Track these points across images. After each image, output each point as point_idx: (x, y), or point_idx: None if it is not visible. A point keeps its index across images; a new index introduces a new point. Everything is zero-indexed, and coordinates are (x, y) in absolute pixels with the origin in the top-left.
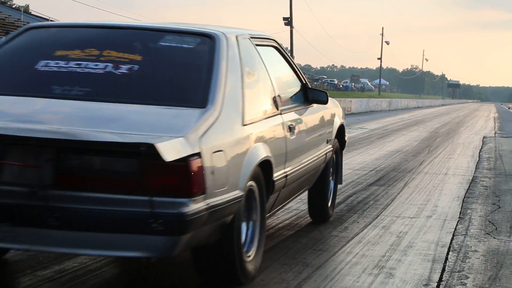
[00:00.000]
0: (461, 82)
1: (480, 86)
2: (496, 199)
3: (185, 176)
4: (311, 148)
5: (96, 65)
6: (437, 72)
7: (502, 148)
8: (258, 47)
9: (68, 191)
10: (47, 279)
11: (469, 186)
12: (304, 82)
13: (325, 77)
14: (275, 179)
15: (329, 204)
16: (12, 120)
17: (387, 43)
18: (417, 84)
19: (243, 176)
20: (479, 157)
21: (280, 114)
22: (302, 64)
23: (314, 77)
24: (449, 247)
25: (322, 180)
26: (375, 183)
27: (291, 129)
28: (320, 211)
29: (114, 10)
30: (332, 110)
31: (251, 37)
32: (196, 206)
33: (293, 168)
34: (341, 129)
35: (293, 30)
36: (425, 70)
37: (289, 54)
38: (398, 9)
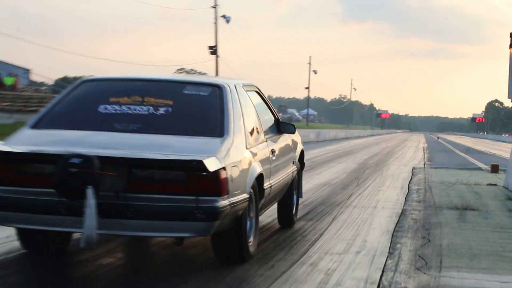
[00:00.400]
0: (390, 112)
1: (409, 115)
2: (426, 232)
3: (218, 182)
4: (284, 167)
5: (141, 108)
6: (365, 101)
7: (431, 180)
8: (247, 92)
9: (139, 194)
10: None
11: (398, 220)
12: (277, 117)
13: None
14: (264, 187)
15: (294, 212)
16: (97, 147)
17: (315, 72)
18: (346, 114)
19: (248, 184)
20: (408, 189)
21: (265, 141)
22: None
23: None
24: (379, 284)
25: (289, 194)
26: (302, 217)
27: (273, 152)
28: (288, 218)
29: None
30: (296, 138)
31: (243, 85)
32: (223, 202)
33: (274, 181)
34: (302, 153)
35: (218, 59)
36: (353, 100)
37: (265, 96)
38: (325, 37)
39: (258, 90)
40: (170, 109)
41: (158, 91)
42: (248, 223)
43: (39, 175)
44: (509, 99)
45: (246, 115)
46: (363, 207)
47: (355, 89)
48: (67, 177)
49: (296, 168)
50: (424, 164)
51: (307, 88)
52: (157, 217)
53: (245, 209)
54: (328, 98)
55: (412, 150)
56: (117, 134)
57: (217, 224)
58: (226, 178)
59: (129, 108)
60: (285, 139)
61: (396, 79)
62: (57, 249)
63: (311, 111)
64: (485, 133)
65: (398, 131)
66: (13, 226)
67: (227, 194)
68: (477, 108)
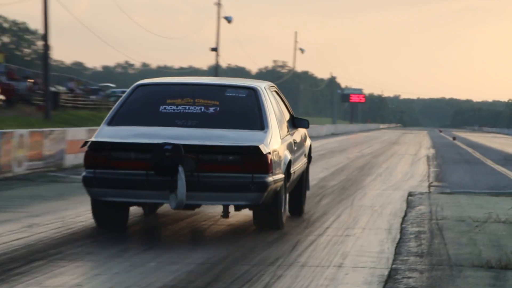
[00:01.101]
0: (366, 92)
1: (402, 98)
2: None
3: (267, 163)
4: (300, 158)
5: (195, 108)
6: (322, 73)
7: (442, 215)
8: (272, 92)
9: (207, 172)
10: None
11: None
12: (291, 112)
13: (112, 85)
14: (291, 172)
15: (303, 203)
16: (170, 139)
17: (228, 20)
18: (286, 94)
19: (283, 167)
20: (401, 232)
21: (290, 134)
22: None
23: (92, 85)
24: None
25: (300, 185)
26: None
27: (295, 144)
28: (299, 208)
29: None
30: (305, 132)
31: (269, 87)
32: (270, 178)
33: (296, 168)
34: (310, 148)
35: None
36: (299, 71)
37: (281, 94)
38: None
39: (276, 90)
40: (218, 108)
41: (205, 94)
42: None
43: (133, 160)
44: None
45: (276, 112)
46: (318, 267)
47: (302, 51)
48: (163, 159)
49: (306, 161)
50: (429, 187)
51: (215, 49)
52: (221, 190)
53: (282, 186)
54: (254, 68)
55: (408, 160)
56: (180, 128)
57: (265, 195)
58: (272, 160)
59: (184, 108)
60: (300, 133)
61: (379, 39)
62: (120, 225)
63: None
64: None
65: (381, 126)
66: (108, 200)
67: (272, 172)
68: None
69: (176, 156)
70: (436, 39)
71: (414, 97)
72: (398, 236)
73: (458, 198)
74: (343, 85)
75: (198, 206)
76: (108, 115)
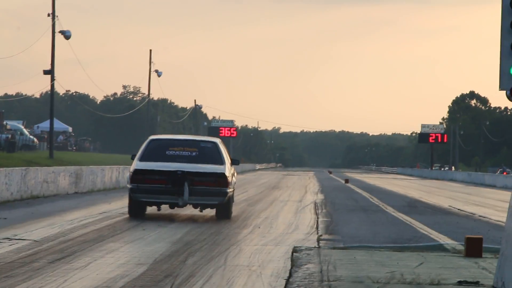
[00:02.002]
0: (239, 124)
1: (283, 132)
2: None
3: (227, 182)
4: (233, 185)
5: (185, 152)
6: (184, 101)
7: (335, 275)
8: (222, 144)
9: (198, 186)
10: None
11: None
12: (230, 156)
13: None
14: (234, 188)
15: (230, 212)
16: (178, 168)
17: (65, 36)
18: (140, 127)
19: (232, 184)
20: None
21: (232, 166)
22: None
23: None
24: None
25: (230, 201)
26: None
27: (233, 175)
28: (227, 214)
29: None
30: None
31: (220, 141)
32: (229, 190)
33: (233, 191)
34: (235, 180)
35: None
36: (156, 99)
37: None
38: None
39: (221, 141)
40: (197, 152)
41: (189, 145)
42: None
43: (157, 179)
44: (505, 92)
45: (226, 154)
46: None
47: (158, 74)
48: (176, 179)
49: (233, 189)
50: (318, 240)
51: (49, 72)
52: (204, 195)
53: (232, 195)
54: (100, 95)
55: (291, 208)
56: (179, 163)
57: (226, 198)
58: (229, 180)
59: (179, 152)
60: (233, 169)
61: (252, 60)
62: (143, 215)
63: (60, 125)
64: (452, 167)
65: (258, 166)
66: (143, 200)
67: (229, 187)
68: (428, 116)
69: (183, 177)
70: (323, 58)
71: (297, 130)
72: None
73: (354, 254)
74: (210, 116)
75: (191, 204)
76: (138, 155)
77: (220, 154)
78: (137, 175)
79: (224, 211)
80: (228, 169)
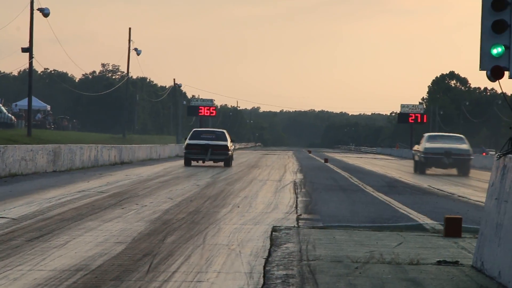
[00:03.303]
0: (218, 103)
1: (263, 111)
2: None
3: (228, 149)
4: (232, 151)
5: (209, 136)
6: (164, 80)
7: (314, 255)
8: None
9: (215, 150)
10: None
11: None
12: (231, 137)
13: None
14: (232, 152)
15: (231, 162)
16: (206, 143)
17: (44, 13)
18: (118, 105)
19: (232, 150)
20: (264, 277)
21: (231, 142)
22: None
23: None
24: None
25: (230, 158)
26: None
27: (232, 145)
28: (229, 164)
29: None
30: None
31: (226, 131)
32: (230, 152)
33: (232, 154)
34: (233, 147)
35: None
36: (135, 77)
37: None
38: None
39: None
40: (214, 136)
41: (211, 133)
42: (233, 156)
43: (198, 147)
44: (485, 72)
45: (228, 136)
46: None
47: (137, 52)
48: (205, 147)
49: (233, 151)
50: (297, 220)
51: (27, 50)
52: (218, 155)
53: (231, 155)
54: (79, 73)
55: (270, 187)
56: (206, 141)
57: (229, 156)
58: (229, 148)
59: (206, 136)
60: (232, 144)
61: (231, 38)
62: (190, 165)
63: (38, 103)
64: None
65: (237, 145)
66: (190, 157)
67: (230, 151)
68: (408, 96)
69: (208, 147)
70: (302, 37)
71: (277, 109)
72: (262, 281)
73: (333, 234)
74: (189, 94)
75: (214, 160)
76: (188, 137)
77: (225, 136)
78: (188, 146)
79: (227, 163)
80: (228, 143)
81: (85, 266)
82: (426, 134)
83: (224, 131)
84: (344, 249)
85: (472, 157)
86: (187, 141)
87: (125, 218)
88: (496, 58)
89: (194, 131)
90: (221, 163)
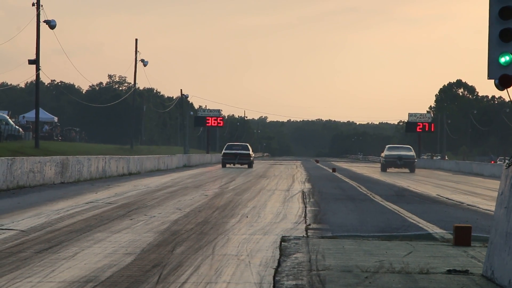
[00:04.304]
0: (225, 114)
1: (270, 121)
2: None
3: (250, 156)
4: (253, 158)
5: (237, 148)
6: (171, 91)
7: (324, 264)
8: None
9: (242, 158)
10: None
11: None
12: (251, 148)
13: None
14: (253, 158)
15: (252, 165)
16: (235, 152)
17: (51, 25)
18: (125, 117)
19: (252, 157)
20: (274, 286)
21: (253, 152)
22: None
23: None
24: None
25: (252, 162)
26: None
27: (252, 152)
28: (251, 166)
29: None
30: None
31: (249, 144)
32: (251, 158)
33: (253, 159)
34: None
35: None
36: (142, 88)
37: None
38: None
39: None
40: (241, 148)
41: (238, 145)
42: (254, 161)
43: (231, 155)
44: (493, 81)
45: (250, 147)
46: None
47: (144, 63)
48: (234, 155)
49: (253, 158)
50: (306, 230)
51: (34, 62)
52: (244, 161)
53: (252, 160)
54: (85, 85)
55: (279, 197)
56: (235, 151)
57: (251, 160)
58: (251, 155)
59: (236, 148)
60: (253, 153)
61: (239, 49)
62: (225, 167)
63: (45, 115)
64: (445, 156)
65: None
66: (225, 162)
67: (252, 157)
68: (415, 104)
69: (237, 155)
70: (309, 47)
71: (284, 119)
72: None
73: (342, 243)
74: (196, 105)
75: (240, 163)
76: (224, 148)
77: (248, 148)
78: (224, 154)
79: (250, 165)
80: (250, 152)
81: (95, 278)
82: (387, 146)
83: (247, 144)
84: (353, 258)
85: (415, 160)
86: (224, 151)
87: (133, 229)
88: (504, 67)
89: (228, 144)
90: (246, 166)
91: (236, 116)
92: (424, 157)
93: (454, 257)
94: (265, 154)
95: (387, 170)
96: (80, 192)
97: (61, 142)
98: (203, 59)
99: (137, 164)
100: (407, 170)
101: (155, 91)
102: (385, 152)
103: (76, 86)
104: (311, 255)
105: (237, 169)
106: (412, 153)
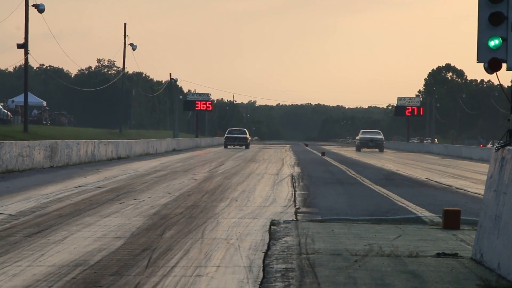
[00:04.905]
0: (214, 97)
1: (259, 105)
2: None
3: (247, 139)
4: (249, 140)
5: (236, 132)
6: (160, 75)
7: (313, 248)
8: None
9: (241, 140)
10: None
11: None
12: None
13: None
14: (249, 140)
15: (248, 146)
16: (235, 135)
17: (39, 9)
18: (113, 101)
19: (249, 140)
20: (264, 270)
21: (249, 136)
22: None
23: None
24: None
25: (248, 144)
26: None
27: (249, 137)
28: (248, 148)
29: None
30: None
31: (246, 129)
32: (248, 141)
33: (249, 142)
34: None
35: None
36: (131, 72)
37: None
38: None
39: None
40: (241, 133)
41: (237, 130)
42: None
43: (231, 138)
44: (482, 65)
45: (248, 131)
46: None
47: (133, 47)
48: (235, 138)
49: (250, 140)
50: (295, 213)
51: (23, 46)
52: (241, 142)
53: (249, 143)
54: (74, 69)
55: (268, 181)
56: (235, 135)
57: (248, 143)
58: (248, 138)
59: (235, 133)
60: (249, 136)
61: (227, 32)
62: (227, 148)
63: (34, 99)
64: (435, 140)
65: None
66: (228, 143)
67: (249, 140)
68: (404, 88)
69: (236, 138)
70: (298, 31)
71: (273, 103)
72: (261, 275)
73: (332, 227)
74: (185, 89)
75: (239, 145)
76: (226, 132)
77: (245, 132)
78: (226, 138)
79: (247, 147)
80: (247, 136)
81: (84, 262)
82: (361, 130)
83: (245, 129)
84: (343, 242)
85: (384, 142)
86: (226, 135)
87: (123, 213)
88: (493, 50)
89: (229, 129)
90: (244, 147)
91: (225, 100)
92: (414, 140)
93: (443, 241)
94: (254, 138)
95: (362, 150)
96: (69, 176)
97: (50, 126)
98: (193, 43)
99: (126, 148)
100: (376, 150)
101: (144, 75)
102: (360, 136)
103: (65, 70)
104: (300, 238)
105: (226, 152)
106: (381, 136)
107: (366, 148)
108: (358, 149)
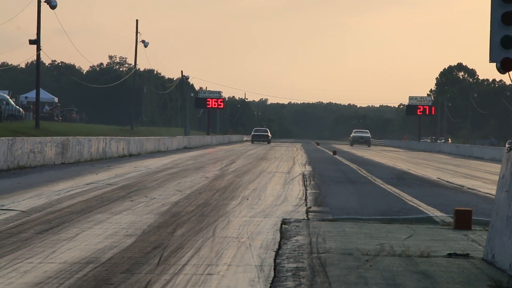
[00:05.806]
0: (225, 95)
1: (270, 103)
2: None
3: (269, 136)
4: (270, 137)
5: (260, 130)
6: (171, 72)
7: (324, 247)
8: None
9: (264, 138)
10: None
11: None
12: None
13: None
14: (270, 137)
15: (270, 141)
16: (259, 133)
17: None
18: (125, 98)
19: (270, 137)
20: (275, 269)
21: (270, 134)
22: None
23: None
24: None
25: (270, 140)
26: None
27: (270, 135)
28: (269, 143)
29: None
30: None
31: (267, 129)
32: (269, 138)
33: (270, 138)
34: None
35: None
36: (142, 69)
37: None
38: None
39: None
40: (265, 131)
41: (263, 130)
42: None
43: (257, 136)
44: (495, 64)
45: (269, 130)
46: None
47: (144, 44)
48: (260, 136)
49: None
50: (306, 212)
51: (35, 42)
52: (265, 139)
53: (270, 139)
54: (86, 65)
55: (279, 180)
56: (260, 133)
57: (269, 139)
58: (269, 136)
59: (259, 131)
60: (270, 133)
61: (240, 30)
62: (253, 143)
63: (46, 95)
64: (449, 140)
65: (245, 137)
66: (254, 140)
67: (270, 137)
68: (416, 88)
69: (261, 135)
70: (310, 29)
71: (285, 101)
72: (272, 274)
73: (343, 226)
74: (197, 86)
75: (264, 142)
76: (253, 131)
77: (267, 131)
78: (253, 135)
79: (268, 142)
80: (269, 134)
81: (95, 259)
82: (354, 130)
83: (267, 129)
84: (354, 241)
85: (370, 139)
86: (252, 133)
87: (134, 211)
88: (506, 50)
89: (255, 129)
90: (266, 142)
91: (237, 98)
92: (428, 140)
93: (455, 241)
94: None
95: (354, 145)
96: (81, 173)
97: (61, 122)
98: (204, 40)
99: (137, 145)
100: (366, 145)
101: (155, 72)
102: (353, 134)
103: (76, 67)
104: (311, 237)
105: (238, 150)
106: (369, 134)
107: (357, 144)
108: (352, 144)
